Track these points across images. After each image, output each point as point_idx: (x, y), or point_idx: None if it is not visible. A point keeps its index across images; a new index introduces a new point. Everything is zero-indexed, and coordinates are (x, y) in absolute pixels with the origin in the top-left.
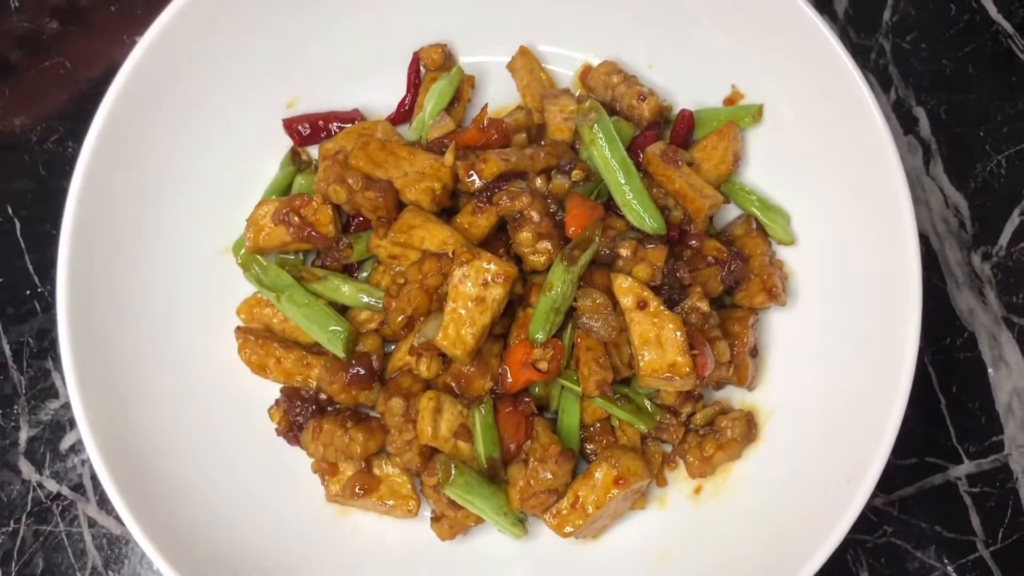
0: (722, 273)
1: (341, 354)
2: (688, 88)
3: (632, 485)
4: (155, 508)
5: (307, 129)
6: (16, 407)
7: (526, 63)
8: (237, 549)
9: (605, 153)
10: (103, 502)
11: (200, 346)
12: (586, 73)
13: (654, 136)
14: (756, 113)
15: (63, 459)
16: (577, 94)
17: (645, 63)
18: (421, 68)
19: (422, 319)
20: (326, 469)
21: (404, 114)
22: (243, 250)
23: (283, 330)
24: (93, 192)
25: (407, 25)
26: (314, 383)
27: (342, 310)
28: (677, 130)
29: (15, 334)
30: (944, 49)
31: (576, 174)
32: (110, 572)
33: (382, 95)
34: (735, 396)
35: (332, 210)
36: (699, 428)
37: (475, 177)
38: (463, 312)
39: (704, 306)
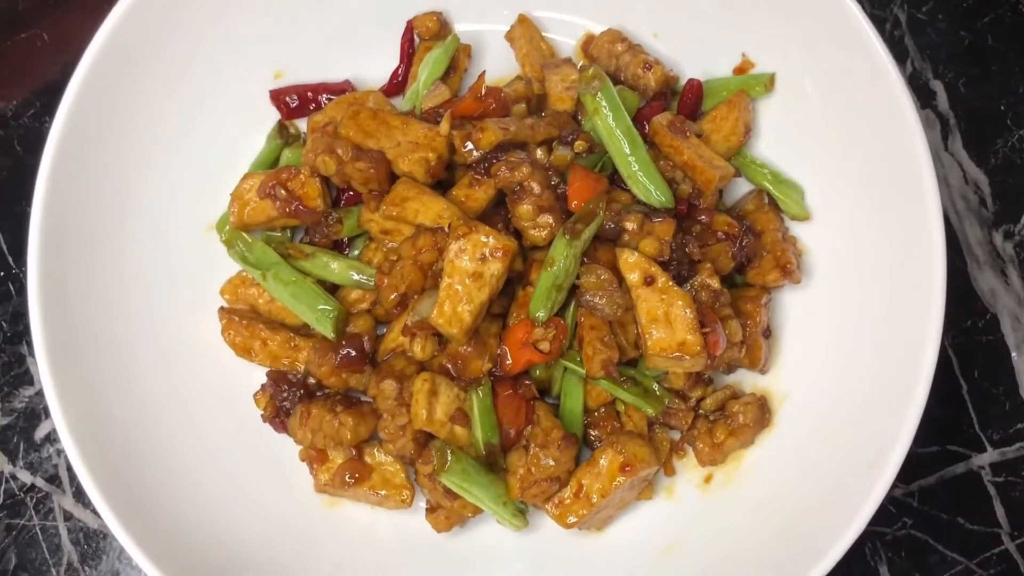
0: (733, 249)
1: (330, 335)
2: (695, 58)
3: (639, 472)
4: (134, 500)
5: (295, 101)
6: None
7: (525, 32)
8: (221, 543)
9: (609, 123)
10: (79, 494)
11: (182, 328)
12: (588, 42)
13: (660, 107)
14: (768, 82)
15: (37, 449)
16: (579, 64)
17: (650, 32)
18: (415, 37)
19: (416, 297)
20: (315, 457)
21: (397, 85)
22: (227, 227)
23: (269, 311)
24: (67, 168)
25: None
26: (302, 366)
27: (331, 289)
28: (684, 101)
29: None
30: (962, 20)
31: (579, 145)
32: (87, 568)
33: (374, 66)
34: (747, 380)
35: (321, 183)
36: (709, 413)
37: (472, 147)
38: (459, 288)
39: (714, 283)
